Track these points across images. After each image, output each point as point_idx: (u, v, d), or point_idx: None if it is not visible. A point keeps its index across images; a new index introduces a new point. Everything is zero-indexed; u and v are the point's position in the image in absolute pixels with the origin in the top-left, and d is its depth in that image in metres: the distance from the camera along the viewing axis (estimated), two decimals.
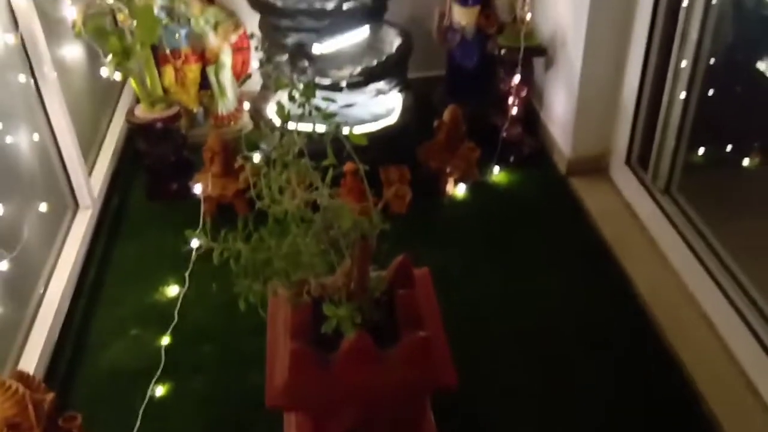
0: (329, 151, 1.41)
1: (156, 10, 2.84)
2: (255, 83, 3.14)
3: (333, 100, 1.47)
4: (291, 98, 1.45)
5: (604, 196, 2.75)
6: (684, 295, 2.27)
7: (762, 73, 2.29)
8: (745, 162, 2.34)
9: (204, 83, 3.18)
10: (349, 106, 2.68)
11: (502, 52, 2.84)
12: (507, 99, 2.88)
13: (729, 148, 2.42)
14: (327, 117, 1.42)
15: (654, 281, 2.34)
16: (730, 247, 2.20)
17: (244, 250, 1.40)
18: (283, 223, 1.43)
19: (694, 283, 2.26)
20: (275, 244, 1.41)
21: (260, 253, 1.41)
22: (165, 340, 2.17)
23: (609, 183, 2.81)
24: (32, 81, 2.30)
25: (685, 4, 2.29)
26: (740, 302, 2.07)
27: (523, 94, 2.89)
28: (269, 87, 2.84)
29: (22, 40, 2.22)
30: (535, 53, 2.87)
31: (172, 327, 2.20)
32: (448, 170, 2.76)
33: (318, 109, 1.43)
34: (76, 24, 2.48)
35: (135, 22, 2.56)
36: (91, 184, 2.63)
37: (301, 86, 1.45)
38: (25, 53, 2.25)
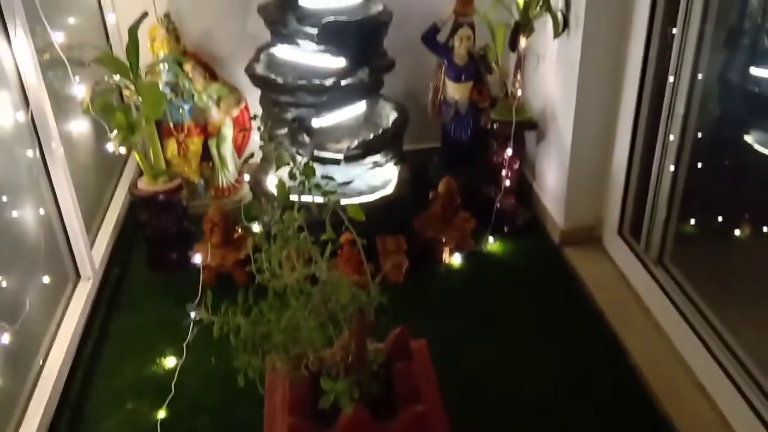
0: (328, 225, 1.45)
1: (161, 86, 2.94)
2: (255, 155, 3.22)
3: (332, 179, 1.52)
4: (291, 176, 1.51)
5: (597, 266, 2.79)
6: (679, 364, 2.28)
7: (750, 146, 2.35)
8: (736, 232, 2.38)
9: (205, 155, 3.26)
10: (347, 183, 2.75)
11: (495, 125, 2.93)
12: (500, 171, 2.96)
13: (720, 219, 2.45)
14: (326, 194, 1.48)
15: (649, 350, 2.35)
16: (722, 317, 2.22)
17: (244, 325, 1.42)
18: (283, 296, 1.46)
19: (689, 352, 2.28)
20: (275, 318, 1.44)
21: (260, 327, 1.44)
22: (161, 414, 2.16)
23: (602, 253, 2.85)
24: (39, 156, 2.36)
25: (671, 80, 2.37)
26: (734, 371, 2.08)
27: (516, 166, 2.97)
28: (269, 160, 2.90)
29: (32, 117, 2.29)
30: (527, 127, 2.96)
31: (168, 399, 2.19)
32: (443, 240, 2.80)
33: (318, 186, 1.48)
34: (84, 101, 2.56)
35: (141, 98, 2.65)
36: (92, 256, 2.66)
37: (301, 163, 1.51)
38: (34, 129, 2.32)
